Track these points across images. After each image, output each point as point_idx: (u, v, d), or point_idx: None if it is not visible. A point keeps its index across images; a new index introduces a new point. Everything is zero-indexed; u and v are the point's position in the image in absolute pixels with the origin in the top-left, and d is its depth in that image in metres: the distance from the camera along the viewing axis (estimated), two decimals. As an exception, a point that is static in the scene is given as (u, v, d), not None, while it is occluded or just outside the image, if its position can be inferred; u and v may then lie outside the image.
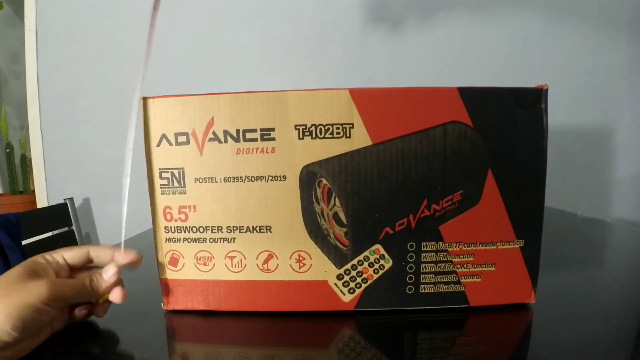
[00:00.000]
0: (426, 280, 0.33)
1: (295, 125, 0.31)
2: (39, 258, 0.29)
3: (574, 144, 1.12)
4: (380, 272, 0.33)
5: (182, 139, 0.32)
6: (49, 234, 1.07)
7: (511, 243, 0.33)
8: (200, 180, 0.33)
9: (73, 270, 0.31)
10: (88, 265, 0.32)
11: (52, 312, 0.27)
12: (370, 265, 0.33)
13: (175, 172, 0.33)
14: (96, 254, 0.32)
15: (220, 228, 0.33)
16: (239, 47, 1.11)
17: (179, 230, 0.34)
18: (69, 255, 0.31)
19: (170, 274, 0.34)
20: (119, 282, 0.31)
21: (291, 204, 0.32)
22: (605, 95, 1.11)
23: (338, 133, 0.31)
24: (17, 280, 0.26)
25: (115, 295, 0.31)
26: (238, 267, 0.34)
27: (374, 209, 0.32)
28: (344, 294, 0.33)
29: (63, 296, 0.27)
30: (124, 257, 0.31)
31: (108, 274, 0.31)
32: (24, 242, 0.96)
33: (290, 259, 0.33)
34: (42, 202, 1.18)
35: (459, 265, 0.33)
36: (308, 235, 0.33)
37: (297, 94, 0.31)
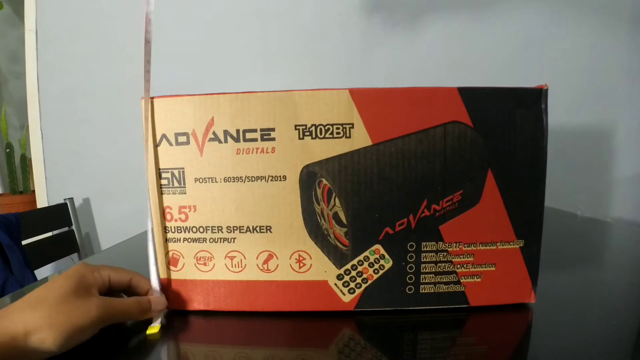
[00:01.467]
0: (426, 280, 0.33)
1: (295, 125, 0.31)
2: (86, 273, 0.29)
3: (574, 144, 1.12)
4: (380, 272, 0.33)
5: (182, 139, 0.32)
6: (49, 234, 1.07)
7: (511, 243, 0.33)
8: (200, 180, 0.33)
9: (110, 289, 0.32)
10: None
11: (97, 330, 0.28)
12: (370, 265, 0.33)
13: (175, 172, 0.33)
14: (137, 283, 0.33)
15: (220, 228, 0.33)
16: (239, 47, 1.11)
17: (179, 230, 0.34)
18: (114, 276, 0.31)
19: (170, 274, 0.34)
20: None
21: (291, 204, 0.32)
22: (605, 95, 1.11)
23: (338, 133, 0.31)
24: (69, 297, 0.26)
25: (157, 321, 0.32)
26: (238, 267, 0.34)
27: (374, 209, 0.32)
28: (344, 294, 0.33)
29: (111, 319, 0.29)
30: (159, 302, 0.33)
31: (159, 308, 0.33)
32: (24, 242, 0.96)
33: (290, 259, 0.33)
34: (42, 202, 1.18)
35: (459, 265, 0.33)
36: (308, 235, 0.33)
37: (298, 94, 0.31)
